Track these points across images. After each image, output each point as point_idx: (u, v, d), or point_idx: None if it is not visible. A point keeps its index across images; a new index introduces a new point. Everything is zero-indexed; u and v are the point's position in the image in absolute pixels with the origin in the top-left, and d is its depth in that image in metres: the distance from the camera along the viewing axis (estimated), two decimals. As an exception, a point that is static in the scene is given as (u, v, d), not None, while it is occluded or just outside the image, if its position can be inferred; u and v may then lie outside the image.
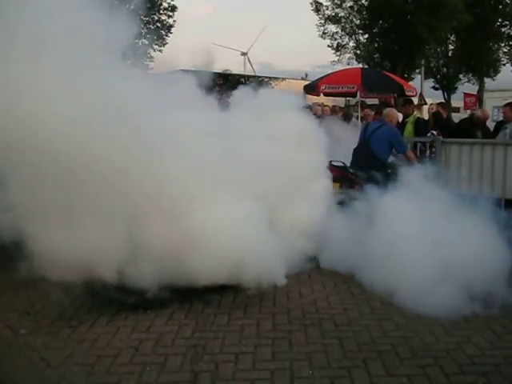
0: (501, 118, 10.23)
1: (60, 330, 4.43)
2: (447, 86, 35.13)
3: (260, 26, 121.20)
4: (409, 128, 10.05)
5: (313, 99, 15.61)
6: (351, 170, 7.48)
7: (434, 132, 9.28)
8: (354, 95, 14.35)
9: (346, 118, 12.81)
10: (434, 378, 3.67)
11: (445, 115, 10.72)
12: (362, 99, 13.55)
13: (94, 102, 4.50)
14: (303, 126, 6.40)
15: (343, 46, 30.53)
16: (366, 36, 29.67)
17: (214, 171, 5.17)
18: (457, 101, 32.51)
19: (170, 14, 28.74)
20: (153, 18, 28.51)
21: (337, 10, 29.73)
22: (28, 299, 5.10)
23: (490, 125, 10.48)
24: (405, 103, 11.02)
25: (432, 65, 34.30)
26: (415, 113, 10.52)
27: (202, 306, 4.94)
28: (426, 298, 4.75)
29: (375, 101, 16.39)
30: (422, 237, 5.23)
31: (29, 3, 4.58)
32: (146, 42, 27.96)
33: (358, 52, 30.06)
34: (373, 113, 11.28)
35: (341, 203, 6.46)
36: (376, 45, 28.97)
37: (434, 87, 35.79)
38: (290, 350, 4.11)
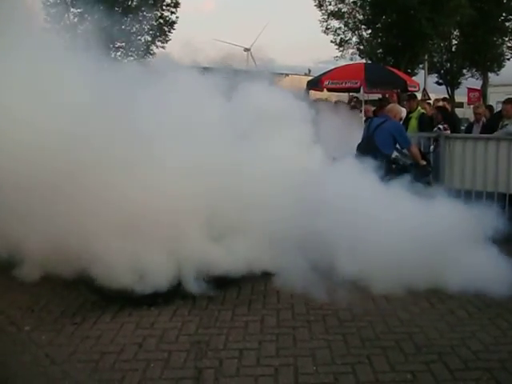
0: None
1: (64, 327, 4.44)
2: (451, 81, 34.97)
3: (263, 22, 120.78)
4: (413, 123, 10.03)
5: (316, 95, 15.59)
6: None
7: (441, 126, 9.23)
8: (357, 90, 14.33)
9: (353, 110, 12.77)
10: (438, 373, 3.67)
11: (450, 110, 10.71)
12: (356, 95, 13.57)
13: None
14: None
15: (346, 42, 30.36)
16: (369, 31, 29.46)
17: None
18: (460, 96, 32.38)
19: (173, 10, 28.66)
20: (155, 15, 28.44)
21: (340, 6, 29.55)
22: (32, 296, 5.10)
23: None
24: (409, 98, 11.03)
25: (435, 60, 34.14)
26: (419, 108, 10.50)
27: (206, 303, 4.94)
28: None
29: (379, 96, 16.38)
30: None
31: None
32: (149, 39, 27.97)
33: (361, 47, 29.88)
34: (372, 108, 11.28)
35: None
36: (379, 40, 28.81)
37: (437, 82, 35.62)
38: (294, 346, 4.10)
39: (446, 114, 10.15)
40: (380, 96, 14.64)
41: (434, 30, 25.72)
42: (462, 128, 11.11)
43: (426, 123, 9.79)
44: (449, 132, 8.99)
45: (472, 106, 10.41)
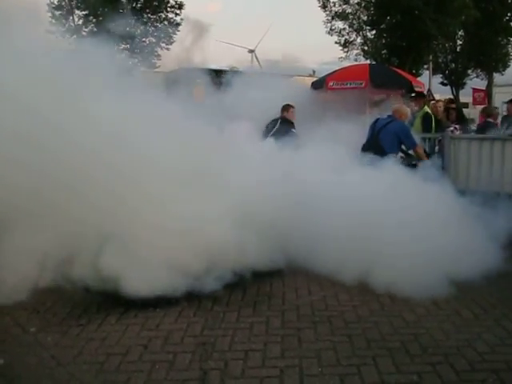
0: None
1: (69, 329, 4.44)
2: (456, 81, 34.94)
3: (267, 23, 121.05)
4: (417, 122, 9.98)
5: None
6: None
7: (457, 126, 9.23)
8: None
9: None
10: (444, 375, 3.65)
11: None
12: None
13: None
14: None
15: (351, 43, 30.42)
16: (374, 32, 29.51)
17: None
18: (465, 96, 32.33)
19: (177, 11, 28.73)
20: (160, 16, 28.52)
21: (344, 7, 29.63)
22: (38, 297, 5.11)
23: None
24: (417, 97, 10.99)
25: (440, 60, 34.11)
26: (425, 107, 10.46)
27: (211, 304, 4.94)
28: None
29: (384, 97, 16.34)
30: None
31: None
32: (154, 40, 28.05)
33: (366, 48, 29.91)
34: None
35: None
36: (383, 41, 28.85)
37: (442, 83, 35.58)
38: (299, 347, 4.09)
39: (460, 114, 10.13)
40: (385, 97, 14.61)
41: (439, 31, 25.70)
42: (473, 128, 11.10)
43: (429, 122, 9.74)
44: (460, 133, 9.00)
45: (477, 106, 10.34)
